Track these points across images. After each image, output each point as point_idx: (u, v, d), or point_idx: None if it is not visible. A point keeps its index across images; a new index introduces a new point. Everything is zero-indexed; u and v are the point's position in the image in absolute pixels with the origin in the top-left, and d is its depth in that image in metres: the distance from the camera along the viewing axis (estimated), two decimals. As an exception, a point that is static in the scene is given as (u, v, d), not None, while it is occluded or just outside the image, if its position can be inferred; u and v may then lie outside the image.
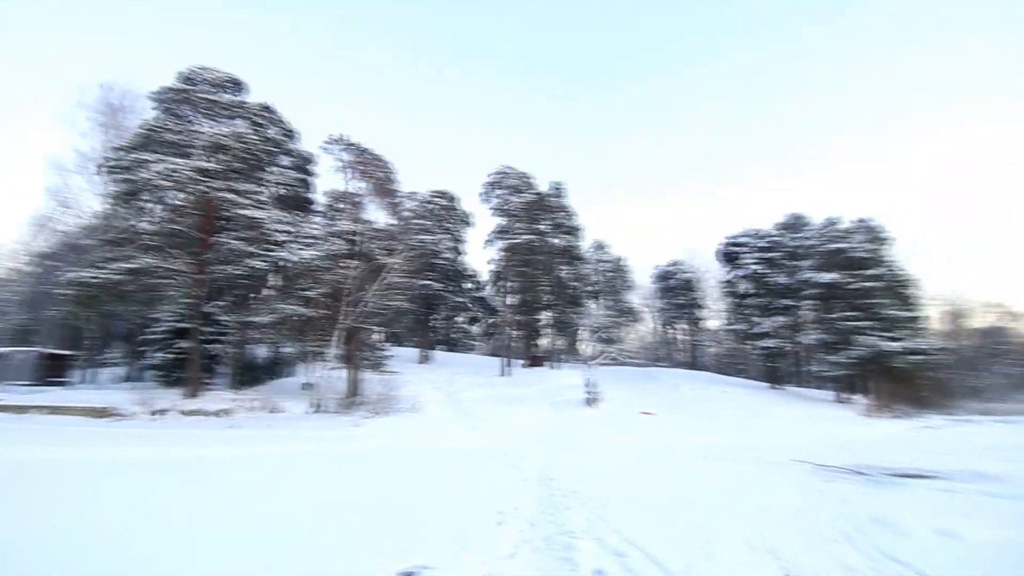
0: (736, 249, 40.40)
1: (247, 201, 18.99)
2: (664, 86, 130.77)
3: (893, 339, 31.63)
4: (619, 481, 7.34)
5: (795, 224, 39.93)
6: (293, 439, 11.89)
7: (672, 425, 19.43)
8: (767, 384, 36.25)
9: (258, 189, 19.78)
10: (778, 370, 38.38)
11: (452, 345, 47.27)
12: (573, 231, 38.63)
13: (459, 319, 45.94)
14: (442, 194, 39.42)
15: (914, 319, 34.58)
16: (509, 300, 36.15)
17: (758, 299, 38.25)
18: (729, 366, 47.76)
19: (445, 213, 38.89)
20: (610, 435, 15.66)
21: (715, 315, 49.11)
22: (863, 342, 31.41)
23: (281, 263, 19.62)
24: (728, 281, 41.03)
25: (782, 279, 37.43)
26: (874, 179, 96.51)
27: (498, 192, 36.39)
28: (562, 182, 39.32)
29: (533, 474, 7.77)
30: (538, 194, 36.88)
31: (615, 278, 50.53)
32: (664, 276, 51.20)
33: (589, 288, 43.48)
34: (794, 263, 37.40)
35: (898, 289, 34.80)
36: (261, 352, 23.98)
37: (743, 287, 39.43)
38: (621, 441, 13.99)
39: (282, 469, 7.88)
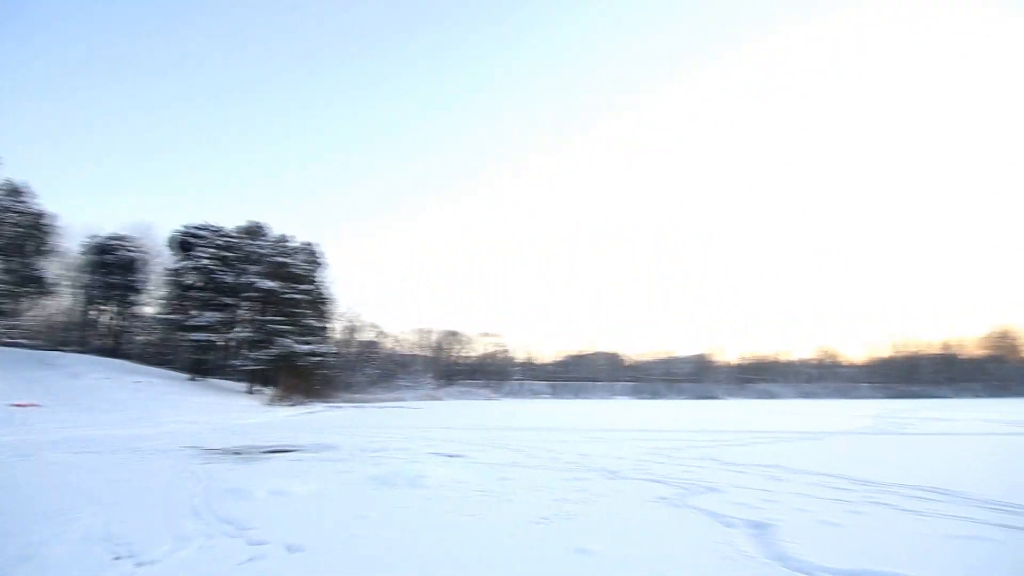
0: (193, 240, 40.30)
1: None
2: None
3: (305, 343, 39.70)
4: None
5: (256, 231, 43.82)
6: None
7: (57, 419, 17.64)
8: (187, 376, 37.23)
9: None
10: (205, 362, 40.15)
11: None
12: (-36, 161, 28.71)
13: None
14: None
15: (323, 328, 44.49)
16: None
17: (202, 293, 39.31)
18: (155, 356, 45.47)
19: None
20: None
21: (153, 302, 46.09)
22: (281, 343, 37.93)
23: None
24: (176, 270, 40.13)
25: (230, 278, 40.09)
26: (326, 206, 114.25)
27: None
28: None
29: None
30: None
31: (29, 236, 39.73)
32: (102, 249, 43.84)
33: (-24, 241, 32.65)
34: (244, 266, 40.90)
35: (319, 304, 44.03)
36: None
37: (191, 279, 39.58)
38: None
39: None
